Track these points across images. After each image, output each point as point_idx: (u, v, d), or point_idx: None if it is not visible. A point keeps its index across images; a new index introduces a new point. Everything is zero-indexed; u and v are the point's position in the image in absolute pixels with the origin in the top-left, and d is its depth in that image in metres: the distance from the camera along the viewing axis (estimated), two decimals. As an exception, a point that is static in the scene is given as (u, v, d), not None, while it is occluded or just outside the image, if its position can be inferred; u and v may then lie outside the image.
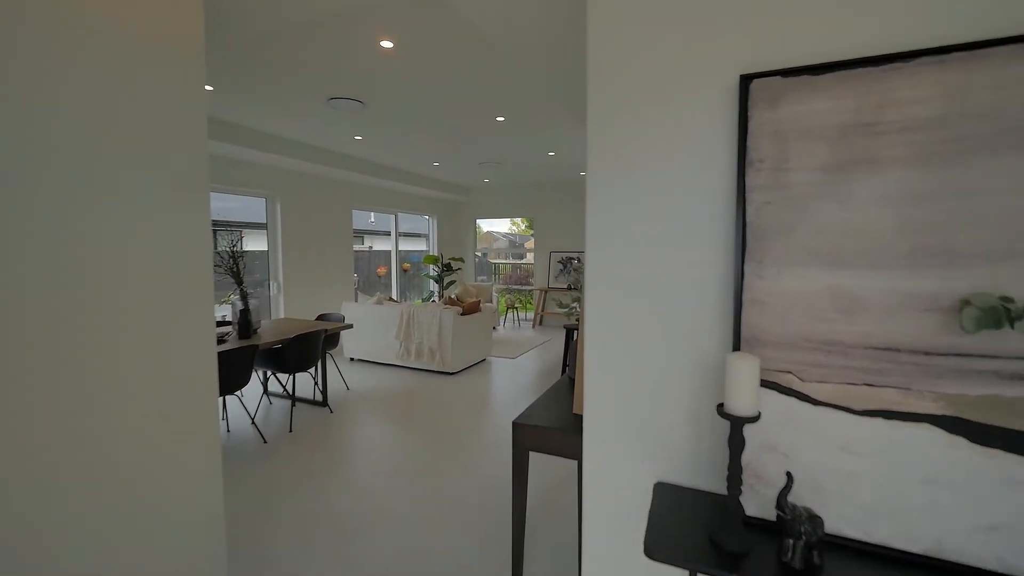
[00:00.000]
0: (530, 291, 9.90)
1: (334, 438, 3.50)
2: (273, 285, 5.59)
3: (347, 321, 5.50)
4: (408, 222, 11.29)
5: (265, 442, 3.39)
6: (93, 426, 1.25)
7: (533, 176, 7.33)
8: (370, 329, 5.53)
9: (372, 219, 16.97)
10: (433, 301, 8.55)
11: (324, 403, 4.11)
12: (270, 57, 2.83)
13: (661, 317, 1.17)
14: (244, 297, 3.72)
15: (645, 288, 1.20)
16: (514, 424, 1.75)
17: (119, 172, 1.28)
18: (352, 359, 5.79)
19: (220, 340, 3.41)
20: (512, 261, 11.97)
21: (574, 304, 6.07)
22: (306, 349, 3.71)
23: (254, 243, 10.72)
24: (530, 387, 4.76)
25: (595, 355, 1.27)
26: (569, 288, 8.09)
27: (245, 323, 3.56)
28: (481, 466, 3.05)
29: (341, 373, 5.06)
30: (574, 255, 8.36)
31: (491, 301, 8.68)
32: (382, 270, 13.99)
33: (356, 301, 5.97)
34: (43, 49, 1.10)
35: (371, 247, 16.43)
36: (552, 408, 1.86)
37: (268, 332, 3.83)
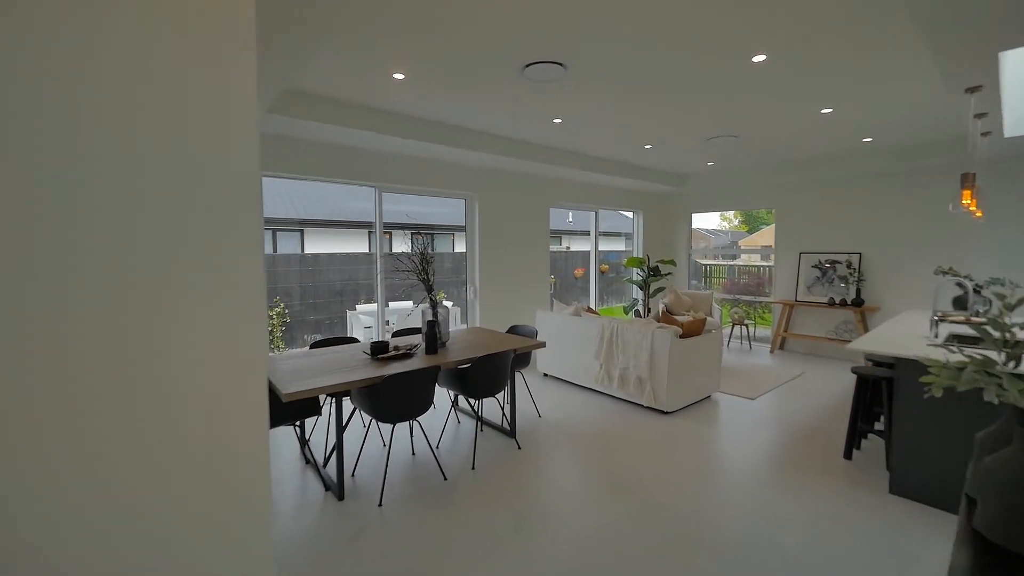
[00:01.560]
0: (764, 304, 7.80)
1: (521, 486, 2.79)
2: (470, 289, 5.37)
3: (541, 333, 4.87)
4: (607, 220, 10.36)
5: (445, 479, 2.89)
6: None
7: (779, 152, 5.48)
8: (566, 344, 4.78)
9: (570, 218, 16.72)
10: (636, 311, 7.41)
11: (512, 434, 3.49)
12: (455, 26, 2.24)
13: None
14: (434, 307, 3.35)
15: None
16: None
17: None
18: (545, 375, 5.15)
19: (406, 354, 3.07)
20: (736, 263, 9.79)
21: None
22: (493, 373, 3.12)
23: (459, 245, 11.33)
24: (787, 448, 3.23)
25: None
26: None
27: (432, 337, 3.16)
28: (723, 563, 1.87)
29: (532, 395, 4.42)
30: (839, 258, 6.06)
31: (711, 314, 7.05)
32: (579, 271, 13.45)
33: (551, 310, 5.34)
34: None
35: (568, 247, 16.16)
36: None
37: (457, 345, 3.38)
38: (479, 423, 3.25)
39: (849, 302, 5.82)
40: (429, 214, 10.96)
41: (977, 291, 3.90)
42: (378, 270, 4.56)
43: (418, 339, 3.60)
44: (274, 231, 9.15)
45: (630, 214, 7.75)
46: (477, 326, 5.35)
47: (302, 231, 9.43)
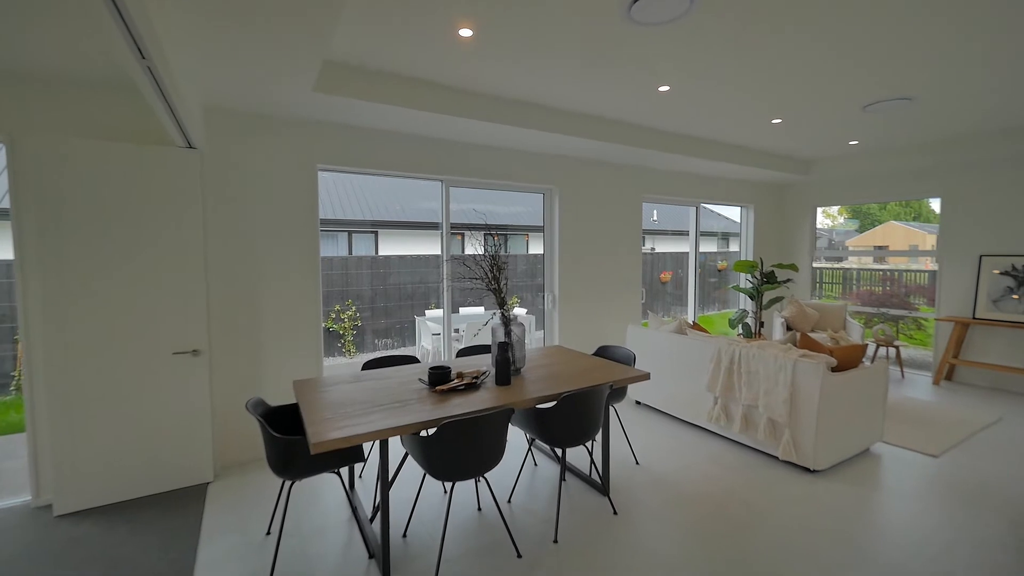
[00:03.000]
0: (915, 320, 6.22)
1: (619, 571, 2.01)
2: (548, 298, 4.64)
3: (634, 352, 4.03)
4: (704, 218, 9.07)
5: (519, 556, 2.19)
6: None
7: (951, 124, 4.12)
8: (666, 367, 3.88)
9: (655, 217, 15.37)
10: (746, 325, 6.23)
11: (604, 491, 2.70)
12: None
13: None
14: (507, 324, 2.67)
15: None
16: None
17: None
18: (638, 403, 4.27)
19: (471, 384, 2.41)
20: (873, 267, 8.07)
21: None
22: (583, 415, 2.36)
23: (534, 247, 10.65)
24: (1015, 541, 2.11)
25: None
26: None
27: (504, 364, 2.47)
28: None
29: (627, 435, 3.57)
30: (1045, 261, 4.48)
31: (847, 332, 5.68)
32: (666, 276, 12.17)
33: (646, 323, 4.48)
34: None
35: (653, 248, 14.84)
36: None
37: (535, 373, 2.67)
38: (563, 474, 2.52)
39: (1065, 323, 4.25)
40: (502, 213, 10.43)
41: None
42: (444, 275, 4.00)
43: (487, 362, 2.94)
44: (349, 232, 9.12)
45: (741, 208, 6.56)
46: (557, 344, 4.61)
47: (376, 232, 9.33)
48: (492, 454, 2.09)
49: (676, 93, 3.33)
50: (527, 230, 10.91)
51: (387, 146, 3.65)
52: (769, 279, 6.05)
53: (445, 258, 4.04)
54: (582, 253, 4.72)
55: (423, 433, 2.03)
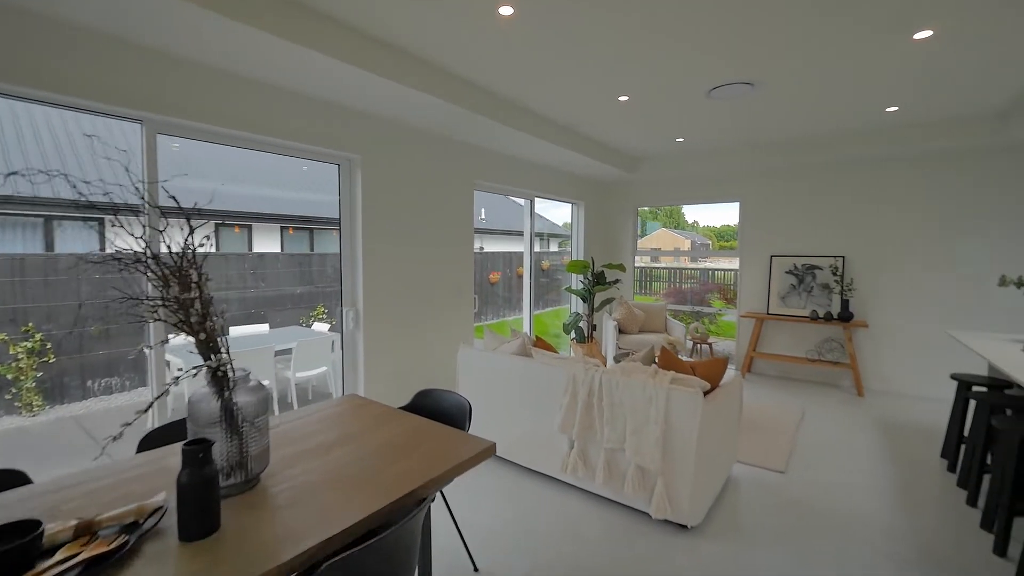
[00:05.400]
0: (712, 316, 6.76)
1: None
2: (348, 315, 3.30)
3: (466, 383, 3.02)
4: (518, 218, 8.69)
5: None
6: None
7: (761, 131, 4.28)
8: (505, 399, 2.97)
9: (483, 215, 14.96)
10: (579, 329, 5.87)
11: (426, 659, 1.58)
12: None
13: None
14: (222, 392, 1.31)
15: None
16: None
17: None
18: (475, 447, 3.29)
19: (99, 560, 1.01)
20: (683, 266, 8.83)
21: None
22: (381, 569, 1.19)
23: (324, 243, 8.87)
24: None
25: None
26: (821, 318, 4.82)
27: (201, 493, 1.12)
28: None
29: (458, 526, 2.51)
30: (820, 262, 5.07)
31: (665, 330, 5.76)
32: (495, 276, 11.74)
33: (480, 330, 3.56)
34: None
35: (482, 248, 14.38)
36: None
37: (291, 479, 1.39)
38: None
39: (835, 316, 4.83)
40: (305, 203, 8.42)
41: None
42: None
43: (161, 501, 1.50)
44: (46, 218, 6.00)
45: (572, 204, 6.18)
46: (355, 394, 3.31)
47: (101, 220, 6.40)
48: None
49: (521, 25, 2.40)
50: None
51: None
52: (599, 280, 5.80)
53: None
54: (397, 252, 3.51)
55: None
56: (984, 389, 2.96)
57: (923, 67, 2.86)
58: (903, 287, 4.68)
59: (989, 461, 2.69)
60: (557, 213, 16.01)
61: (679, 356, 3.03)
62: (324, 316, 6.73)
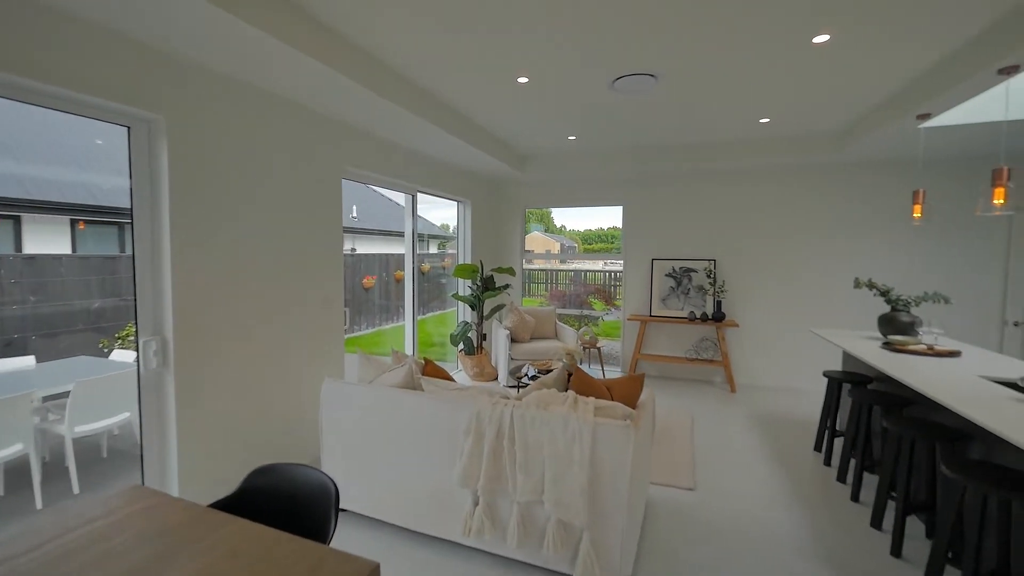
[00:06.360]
0: (596, 319, 6.80)
1: None
2: (150, 346, 2.28)
3: (332, 421, 2.30)
4: (394, 218, 7.90)
5: None
6: None
7: (647, 136, 4.28)
8: (389, 446, 2.32)
9: (354, 214, 13.58)
10: (468, 340, 5.37)
11: None
12: None
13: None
14: None
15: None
16: None
17: None
18: (343, 510, 2.54)
19: None
20: (562, 268, 8.83)
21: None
22: None
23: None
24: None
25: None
26: (697, 319, 5.01)
27: None
28: None
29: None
30: (695, 265, 5.31)
31: (555, 336, 5.56)
32: (369, 280, 10.61)
33: (352, 347, 2.84)
34: None
35: (354, 249, 12.98)
36: None
37: None
38: None
39: (710, 316, 5.08)
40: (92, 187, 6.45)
41: (899, 308, 3.25)
42: None
43: None
44: None
45: (459, 203, 5.62)
46: (143, 486, 2.34)
47: None
48: None
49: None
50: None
51: None
52: (489, 285, 5.37)
53: None
54: (229, 255, 2.57)
55: None
56: (851, 385, 3.17)
57: (797, 80, 2.95)
58: (769, 289, 5.10)
59: (858, 454, 2.84)
60: (436, 214, 15.28)
61: (579, 366, 2.69)
62: (133, 341, 5.15)
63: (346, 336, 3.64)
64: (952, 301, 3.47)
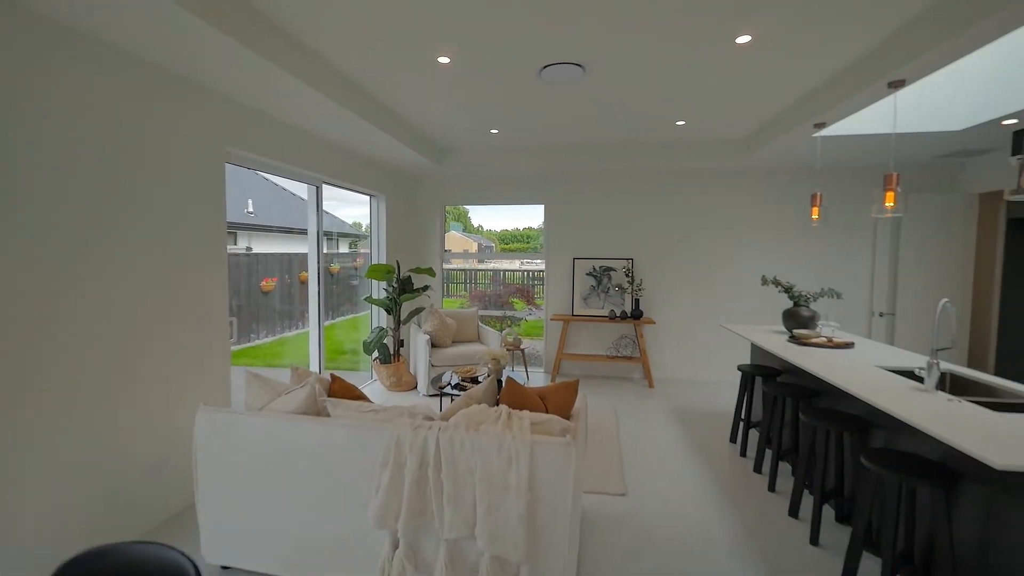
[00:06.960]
0: (519, 319, 6.68)
1: None
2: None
3: (214, 463, 1.85)
4: (298, 214, 7.11)
5: None
6: None
7: (585, 127, 4.22)
8: (288, 485, 1.91)
9: (250, 208, 12.16)
10: (383, 348, 4.95)
11: None
12: None
13: None
14: None
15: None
16: None
17: None
18: (225, 568, 2.07)
19: None
20: (481, 267, 8.56)
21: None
22: None
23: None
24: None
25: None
26: (619, 317, 5.07)
27: None
28: None
29: None
30: (612, 264, 5.38)
31: (478, 339, 5.32)
32: (268, 283, 9.52)
33: (239, 356, 2.36)
34: None
35: (250, 247, 11.61)
36: None
37: None
38: None
39: (629, 314, 5.17)
40: None
41: (800, 303, 3.49)
42: None
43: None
44: None
45: (372, 197, 5.13)
46: None
47: None
48: None
49: None
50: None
51: None
52: (406, 287, 4.99)
53: None
54: (57, 254, 1.97)
55: None
56: (764, 379, 3.32)
57: (719, 80, 3.02)
58: (683, 287, 5.31)
59: (774, 445, 2.97)
60: (346, 212, 14.25)
61: (506, 374, 2.48)
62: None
63: (238, 347, 3.07)
64: (843, 296, 3.82)
